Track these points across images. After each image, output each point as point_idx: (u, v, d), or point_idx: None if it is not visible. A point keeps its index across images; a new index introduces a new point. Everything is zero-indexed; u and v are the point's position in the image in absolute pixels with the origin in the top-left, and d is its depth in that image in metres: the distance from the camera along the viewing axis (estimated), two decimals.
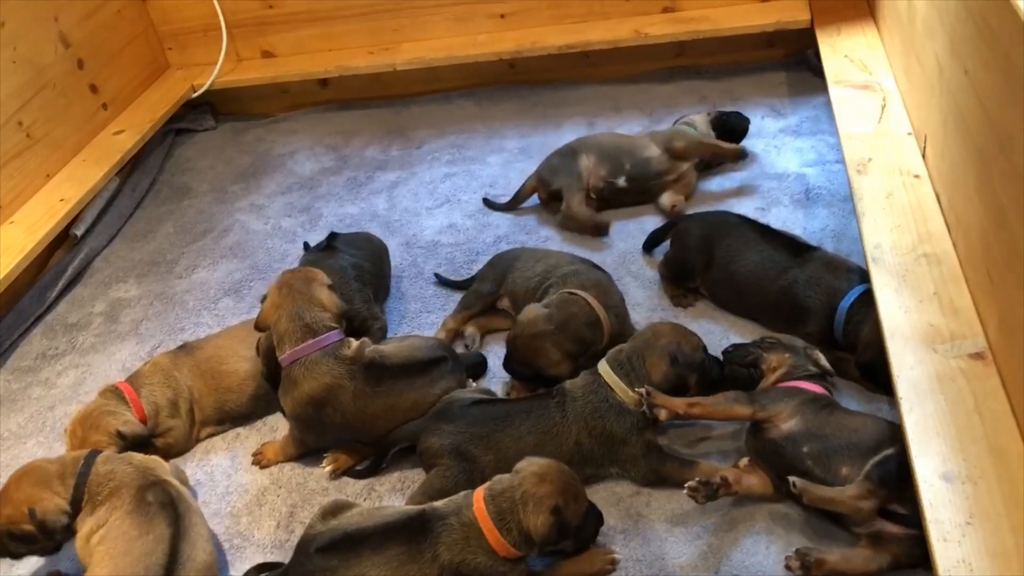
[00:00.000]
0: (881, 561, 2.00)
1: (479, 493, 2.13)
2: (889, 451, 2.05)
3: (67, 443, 2.59)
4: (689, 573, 2.13)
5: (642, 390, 2.28)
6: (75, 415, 2.63)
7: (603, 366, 2.43)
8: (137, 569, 2.11)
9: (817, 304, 2.57)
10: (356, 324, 2.81)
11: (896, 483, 2.00)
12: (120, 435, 2.56)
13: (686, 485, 2.16)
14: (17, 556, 2.34)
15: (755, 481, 2.24)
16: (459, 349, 2.86)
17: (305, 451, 2.63)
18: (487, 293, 2.96)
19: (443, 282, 3.23)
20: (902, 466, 1.98)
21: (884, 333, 2.22)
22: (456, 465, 2.36)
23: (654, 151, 3.40)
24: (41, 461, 2.38)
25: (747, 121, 3.63)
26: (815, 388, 2.31)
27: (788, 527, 2.19)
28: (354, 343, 2.54)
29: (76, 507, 2.29)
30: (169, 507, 2.24)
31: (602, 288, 2.74)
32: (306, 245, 3.27)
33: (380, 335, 2.88)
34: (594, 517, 2.18)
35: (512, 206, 3.57)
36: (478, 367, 2.81)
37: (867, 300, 2.46)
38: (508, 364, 2.67)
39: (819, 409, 2.22)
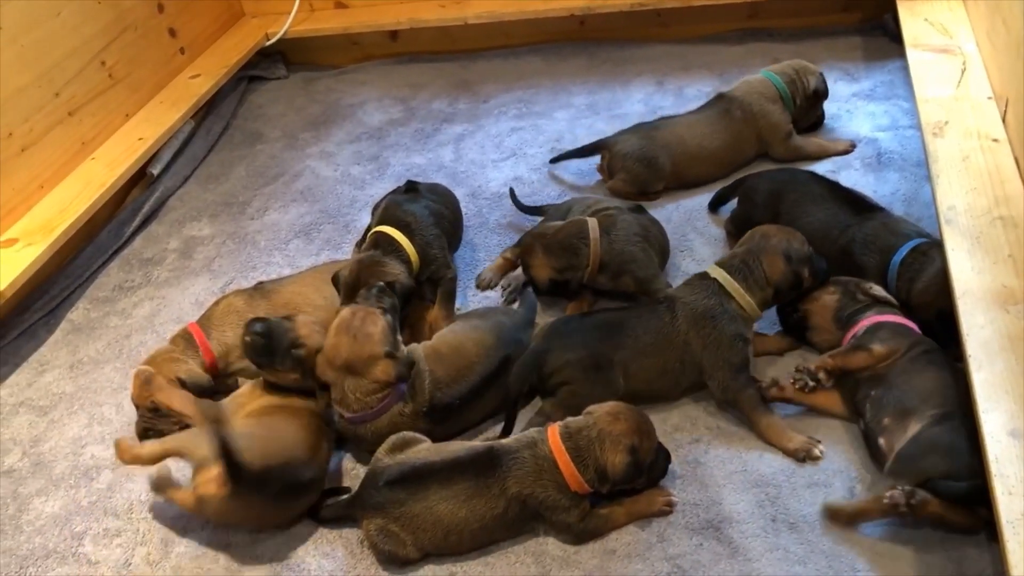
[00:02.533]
0: None
1: (555, 429, 2.19)
2: (916, 429, 2.08)
3: (132, 385, 2.66)
4: (745, 519, 2.17)
5: (802, 370, 2.33)
6: (146, 358, 2.73)
7: (717, 271, 2.48)
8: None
9: (872, 262, 2.58)
10: (432, 271, 2.86)
11: (920, 469, 2.00)
12: (181, 382, 2.64)
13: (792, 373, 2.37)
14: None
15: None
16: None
17: None
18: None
19: (516, 202, 3.31)
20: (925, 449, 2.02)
21: (955, 293, 2.21)
22: (591, 376, 2.40)
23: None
24: None
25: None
26: (902, 321, 2.37)
27: (847, 480, 2.21)
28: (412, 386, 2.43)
29: None
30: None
31: (611, 219, 2.83)
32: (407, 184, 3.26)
33: (451, 285, 2.91)
34: (664, 454, 2.24)
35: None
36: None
37: (919, 255, 2.47)
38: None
39: (916, 357, 2.25)
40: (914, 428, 2.09)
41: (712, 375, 2.41)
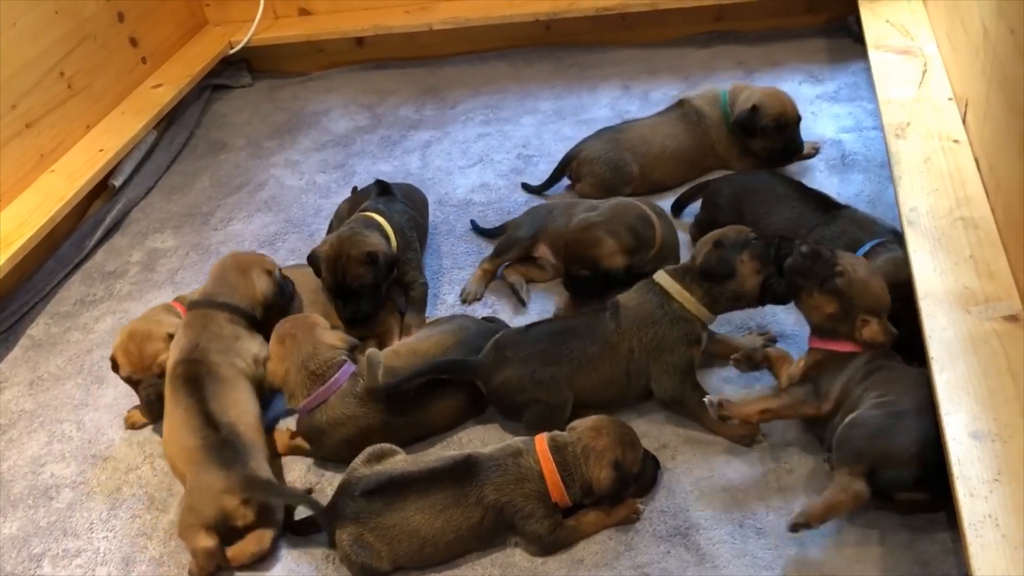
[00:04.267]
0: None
1: (543, 439, 2.19)
2: (847, 418, 2.06)
3: (121, 363, 2.64)
4: (713, 526, 2.15)
5: (712, 398, 2.23)
6: (121, 337, 2.67)
7: (660, 274, 2.44)
8: (184, 434, 2.34)
9: None
10: (405, 279, 2.84)
11: (862, 452, 1.98)
12: (171, 336, 2.63)
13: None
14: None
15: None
16: (488, 311, 2.89)
17: None
18: (524, 238, 2.97)
19: (477, 230, 3.27)
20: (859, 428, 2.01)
21: (917, 295, 2.21)
22: (533, 393, 2.38)
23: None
24: None
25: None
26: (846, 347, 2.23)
27: (815, 484, 2.20)
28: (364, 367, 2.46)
29: None
30: (194, 382, 2.43)
31: (648, 201, 2.81)
32: (355, 189, 3.30)
33: (422, 290, 2.90)
34: (652, 461, 2.24)
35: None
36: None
37: (882, 250, 2.47)
38: (567, 273, 2.74)
39: (864, 377, 2.16)
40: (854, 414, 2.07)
41: (657, 378, 2.39)
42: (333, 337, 2.52)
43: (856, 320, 2.18)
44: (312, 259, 2.76)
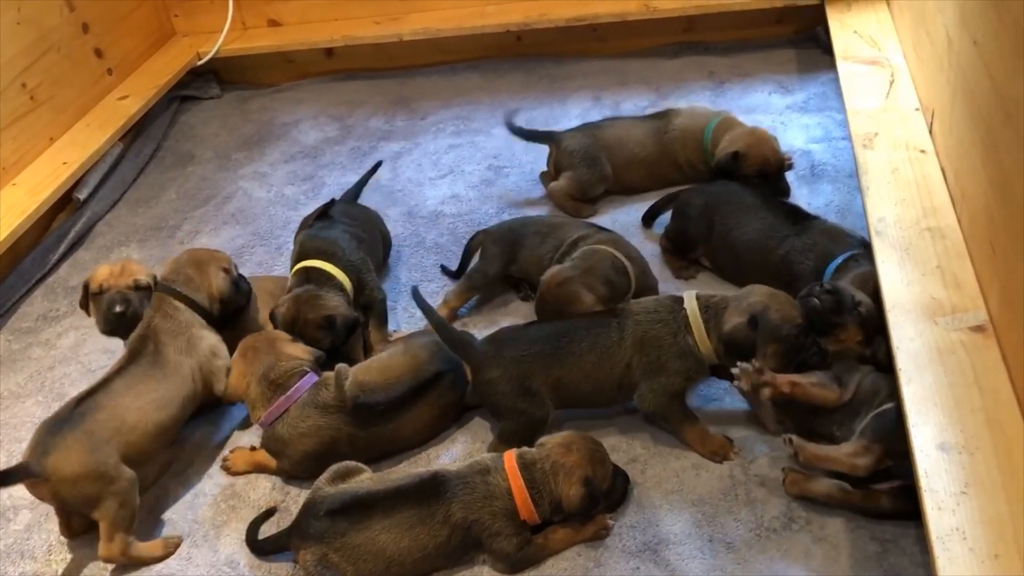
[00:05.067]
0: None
1: (511, 456, 2.15)
2: (886, 405, 2.06)
3: (96, 275, 2.70)
4: (682, 540, 2.13)
5: (747, 365, 2.16)
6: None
7: (691, 301, 2.31)
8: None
9: (808, 269, 2.56)
10: (365, 296, 2.81)
11: (891, 438, 2.00)
12: (136, 283, 2.67)
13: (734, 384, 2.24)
14: None
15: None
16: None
17: None
18: (494, 274, 2.91)
19: (447, 272, 3.12)
20: (898, 421, 1.98)
21: (885, 305, 2.21)
22: (526, 403, 2.34)
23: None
24: None
25: None
26: None
27: (784, 498, 2.18)
28: (331, 381, 2.43)
29: None
30: (134, 354, 2.46)
31: (619, 243, 2.75)
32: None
33: (382, 307, 2.86)
34: (622, 477, 2.22)
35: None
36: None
37: (854, 264, 2.46)
38: (539, 310, 2.66)
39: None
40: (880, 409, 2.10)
41: (644, 395, 2.33)
42: (297, 349, 2.50)
43: (875, 341, 2.24)
44: (272, 319, 2.71)
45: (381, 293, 2.88)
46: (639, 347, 2.31)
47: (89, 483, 2.20)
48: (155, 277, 2.74)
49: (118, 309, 2.62)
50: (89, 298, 2.72)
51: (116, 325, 2.65)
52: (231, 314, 2.71)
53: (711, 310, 2.30)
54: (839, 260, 2.52)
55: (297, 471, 2.44)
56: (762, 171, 3.04)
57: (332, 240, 2.83)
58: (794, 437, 2.07)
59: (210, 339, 2.61)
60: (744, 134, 3.12)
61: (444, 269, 3.15)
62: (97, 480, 2.21)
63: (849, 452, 2.02)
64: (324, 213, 3.00)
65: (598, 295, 2.54)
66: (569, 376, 2.35)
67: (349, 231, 2.92)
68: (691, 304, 2.31)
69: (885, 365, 2.19)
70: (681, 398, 2.34)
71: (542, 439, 2.22)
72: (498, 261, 2.92)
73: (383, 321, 2.84)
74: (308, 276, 2.72)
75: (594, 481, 2.12)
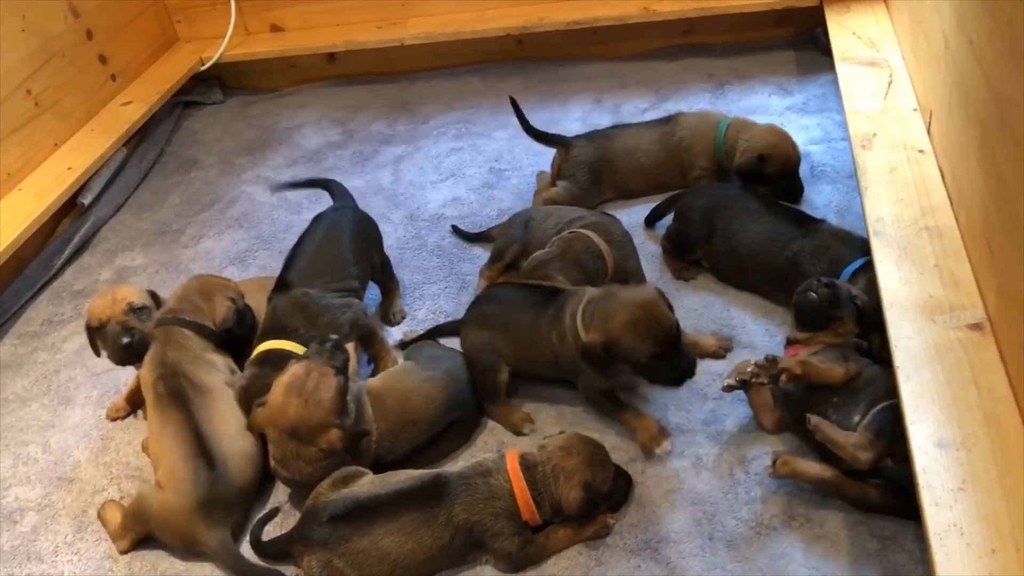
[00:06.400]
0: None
1: (513, 456, 2.17)
2: (887, 402, 2.07)
3: (93, 307, 2.69)
4: (683, 539, 2.15)
5: (761, 360, 2.19)
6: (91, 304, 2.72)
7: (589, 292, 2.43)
8: (174, 459, 2.33)
9: (819, 271, 2.55)
10: (359, 330, 2.68)
11: (891, 436, 2.01)
12: (130, 306, 2.67)
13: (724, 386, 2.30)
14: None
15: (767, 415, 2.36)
16: None
17: None
18: (518, 238, 2.94)
19: (459, 233, 3.30)
20: (897, 420, 1.99)
21: (883, 304, 2.22)
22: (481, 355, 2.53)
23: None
24: None
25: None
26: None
27: (783, 496, 2.20)
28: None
29: None
30: (178, 396, 2.43)
31: (603, 227, 2.80)
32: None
33: (367, 331, 2.72)
34: (624, 478, 2.23)
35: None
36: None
37: (869, 270, 2.46)
38: None
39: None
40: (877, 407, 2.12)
41: (577, 380, 2.46)
42: (328, 442, 2.26)
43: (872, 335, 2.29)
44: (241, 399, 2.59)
45: (366, 318, 2.74)
46: (566, 332, 2.39)
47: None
48: (152, 293, 2.74)
49: (125, 341, 2.61)
50: (94, 333, 2.69)
51: (127, 355, 2.64)
52: (231, 343, 2.68)
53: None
54: (855, 265, 2.53)
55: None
56: (784, 170, 3.04)
57: (291, 316, 2.59)
58: (813, 417, 2.10)
59: (223, 360, 2.63)
60: (764, 133, 3.11)
61: (456, 229, 3.33)
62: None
63: (855, 443, 2.04)
64: (282, 284, 2.69)
65: (570, 279, 2.63)
66: (511, 341, 2.50)
67: (300, 303, 2.62)
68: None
69: (881, 359, 2.21)
70: (611, 394, 2.44)
71: (544, 441, 2.24)
72: (518, 226, 2.99)
73: (381, 342, 2.78)
74: (267, 360, 2.51)
75: (593, 485, 2.13)
